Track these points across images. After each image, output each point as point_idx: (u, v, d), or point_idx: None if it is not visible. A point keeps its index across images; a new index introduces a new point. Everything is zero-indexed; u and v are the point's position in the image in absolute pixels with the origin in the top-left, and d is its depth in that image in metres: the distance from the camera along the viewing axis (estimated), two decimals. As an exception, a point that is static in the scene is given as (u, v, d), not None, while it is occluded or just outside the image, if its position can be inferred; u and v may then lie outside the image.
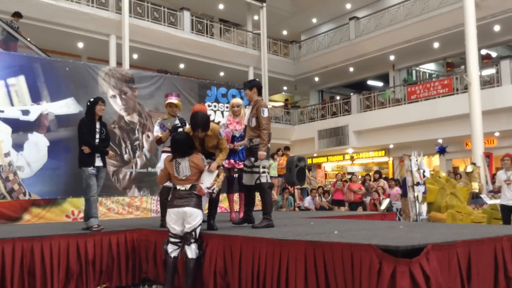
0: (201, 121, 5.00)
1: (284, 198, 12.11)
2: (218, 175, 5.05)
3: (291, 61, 23.64)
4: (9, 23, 11.32)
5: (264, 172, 5.54)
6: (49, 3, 14.96)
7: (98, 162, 6.08)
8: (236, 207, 7.56)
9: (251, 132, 5.57)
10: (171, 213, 4.83)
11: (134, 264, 5.81)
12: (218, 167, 5.13)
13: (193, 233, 4.80)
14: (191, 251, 4.78)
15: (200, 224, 4.88)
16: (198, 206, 4.85)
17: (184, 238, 4.82)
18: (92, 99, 6.23)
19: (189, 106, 8.42)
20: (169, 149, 6.14)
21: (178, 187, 4.90)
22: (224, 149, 5.33)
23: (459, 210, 10.40)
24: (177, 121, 6.20)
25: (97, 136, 6.11)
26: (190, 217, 4.78)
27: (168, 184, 6.17)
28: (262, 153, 5.41)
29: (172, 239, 4.87)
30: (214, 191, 5.01)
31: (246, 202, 5.95)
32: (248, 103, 6.06)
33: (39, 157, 8.04)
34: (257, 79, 6.61)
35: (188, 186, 4.87)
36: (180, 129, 6.17)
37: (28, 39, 11.49)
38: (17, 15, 11.88)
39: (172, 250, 4.86)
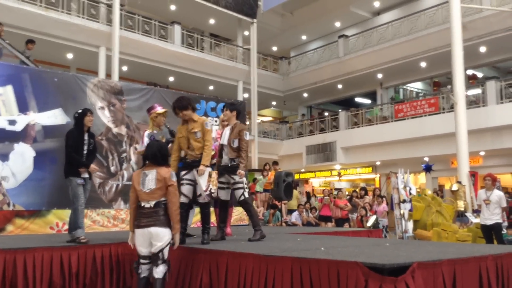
0: (178, 101, 5.50)
1: (271, 214, 12.08)
2: (210, 175, 5.06)
3: (281, 76, 23.80)
4: (21, 52, 11.36)
5: (246, 188, 5.95)
6: (39, 13, 14.94)
7: (84, 174, 6.03)
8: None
9: (233, 152, 5.90)
10: (138, 234, 4.53)
11: (118, 277, 5.72)
12: (207, 166, 5.24)
13: (160, 254, 4.50)
14: (158, 272, 4.50)
15: (168, 244, 4.55)
16: (165, 224, 4.51)
17: (152, 259, 4.56)
18: (80, 111, 6.19)
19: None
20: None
21: (142, 203, 4.52)
22: (207, 141, 5.46)
23: (444, 228, 10.47)
24: (169, 135, 6.23)
25: (85, 147, 6.07)
26: (157, 238, 4.47)
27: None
28: (242, 171, 5.85)
29: (141, 260, 4.61)
30: (212, 190, 5.02)
31: (222, 218, 6.14)
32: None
33: (24, 168, 7.94)
34: (239, 104, 7.02)
35: (152, 203, 4.50)
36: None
37: (39, 67, 11.44)
38: (31, 42, 11.96)
39: (142, 270, 4.61)
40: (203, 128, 5.48)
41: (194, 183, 5.49)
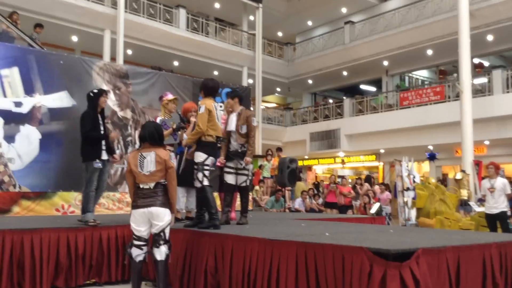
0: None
1: (276, 199, 12.14)
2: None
3: (285, 62, 23.69)
4: (29, 35, 11.34)
5: (249, 176, 6.12)
6: (45, -5, 14.88)
7: (104, 156, 5.99)
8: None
9: (241, 138, 5.99)
10: (135, 214, 4.44)
11: (123, 259, 5.78)
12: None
13: (162, 234, 4.46)
14: (160, 253, 4.46)
15: (169, 224, 4.52)
16: (165, 205, 4.46)
17: (153, 240, 4.50)
18: (95, 91, 6.14)
19: (183, 103, 8.40)
20: (168, 148, 6.19)
21: (141, 185, 4.44)
22: (197, 125, 5.59)
23: (447, 217, 10.49)
24: (179, 121, 6.29)
25: (102, 128, 6.05)
26: (157, 218, 4.41)
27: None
28: (249, 158, 5.96)
29: (136, 242, 4.49)
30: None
31: (227, 202, 6.18)
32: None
33: (30, 150, 7.97)
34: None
35: (152, 185, 4.43)
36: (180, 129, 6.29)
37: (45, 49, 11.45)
38: (40, 26, 11.98)
39: (137, 254, 4.50)
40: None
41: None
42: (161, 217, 4.43)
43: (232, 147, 6.02)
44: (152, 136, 4.50)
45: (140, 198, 4.43)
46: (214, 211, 5.40)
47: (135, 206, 4.46)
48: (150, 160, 4.41)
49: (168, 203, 4.49)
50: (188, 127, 6.39)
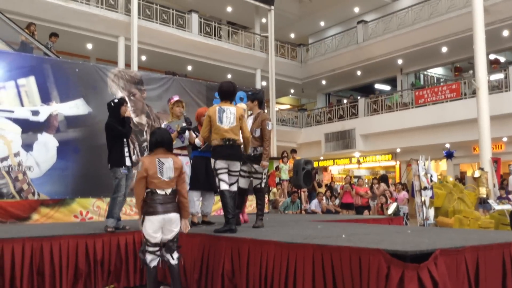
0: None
1: (292, 201, 12.12)
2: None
3: (299, 64, 23.65)
4: (45, 44, 11.56)
5: (264, 179, 6.11)
6: (59, 4, 15.09)
7: (128, 162, 6.09)
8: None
9: (255, 141, 5.92)
10: (154, 221, 4.37)
11: (142, 264, 5.82)
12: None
13: (176, 239, 4.53)
14: (175, 259, 4.51)
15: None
16: (178, 210, 4.51)
17: (167, 246, 4.50)
18: (116, 100, 6.22)
19: (197, 108, 8.44)
20: (176, 152, 6.21)
21: (158, 191, 4.40)
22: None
23: (466, 215, 10.35)
24: (184, 123, 6.24)
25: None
26: (174, 224, 4.45)
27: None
28: (266, 163, 5.92)
29: (151, 249, 4.47)
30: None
31: (238, 204, 6.06)
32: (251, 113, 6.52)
33: (48, 157, 8.10)
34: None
35: (169, 191, 4.44)
36: (187, 131, 6.25)
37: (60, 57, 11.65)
38: (55, 35, 12.29)
39: (152, 259, 4.48)
40: None
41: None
42: (177, 223, 4.48)
43: (250, 151, 5.97)
44: (169, 142, 4.57)
45: (158, 204, 4.37)
46: (231, 216, 5.37)
47: (153, 212, 4.36)
48: (169, 167, 4.43)
49: (178, 209, 4.52)
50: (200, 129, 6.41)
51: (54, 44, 12.17)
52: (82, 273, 5.29)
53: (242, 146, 5.62)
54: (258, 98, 6.20)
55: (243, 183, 6.07)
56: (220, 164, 5.45)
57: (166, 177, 4.42)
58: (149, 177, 4.38)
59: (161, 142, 4.50)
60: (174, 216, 4.44)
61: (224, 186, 5.44)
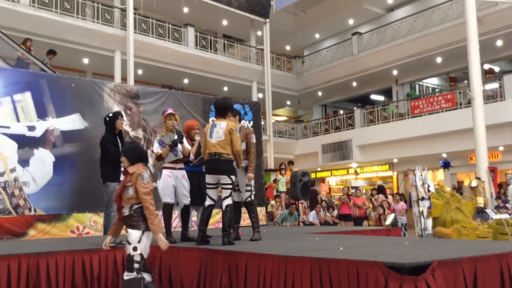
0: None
1: (290, 213, 12.10)
2: None
3: (294, 75, 23.77)
4: (41, 60, 11.60)
5: (253, 191, 6.16)
6: (55, 19, 15.16)
7: (122, 177, 6.06)
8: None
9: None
10: (151, 236, 4.27)
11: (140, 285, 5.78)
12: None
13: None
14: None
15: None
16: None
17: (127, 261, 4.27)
18: (111, 114, 6.24)
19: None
20: (170, 165, 6.18)
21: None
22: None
23: (464, 225, 10.35)
24: (175, 137, 6.18)
25: (120, 149, 6.12)
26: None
27: (169, 200, 6.20)
28: (251, 174, 6.01)
29: (141, 265, 4.19)
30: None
31: (235, 219, 6.14)
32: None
33: (44, 173, 8.08)
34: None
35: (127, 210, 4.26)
36: (180, 144, 6.20)
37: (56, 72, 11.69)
38: (52, 52, 12.29)
39: (147, 276, 4.24)
40: None
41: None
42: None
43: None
44: (147, 158, 4.49)
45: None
46: (202, 228, 5.56)
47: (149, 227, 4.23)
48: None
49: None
50: (190, 143, 6.39)
51: (51, 61, 12.20)
52: (78, 289, 5.25)
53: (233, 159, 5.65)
54: (238, 113, 6.29)
55: (236, 196, 6.09)
56: (207, 178, 5.61)
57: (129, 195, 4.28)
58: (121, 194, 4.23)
59: (145, 156, 4.47)
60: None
61: (207, 202, 5.60)
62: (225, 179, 5.53)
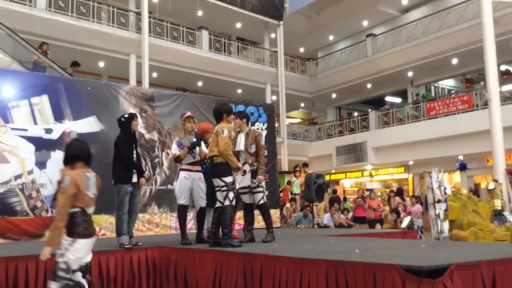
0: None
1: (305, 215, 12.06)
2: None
3: (308, 78, 23.72)
4: (66, 71, 11.77)
5: (265, 192, 6.27)
6: (71, 23, 15.33)
7: (134, 179, 6.08)
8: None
9: (250, 157, 6.14)
10: (90, 243, 3.95)
11: (154, 281, 5.83)
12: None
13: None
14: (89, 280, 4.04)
15: None
16: None
17: (86, 269, 3.99)
18: (126, 115, 6.28)
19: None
20: (187, 167, 6.22)
21: (88, 210, 3.97)
22: None
23: (481, 228, 10.21)
24: (194, 139, 6.26)
25: (134, 151, 6.15)
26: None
27: (184, 202, 6.23)
28: (261, 177, 6.11)
29: (68, 275, 3.83)
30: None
31: (249, 221, 6.34)
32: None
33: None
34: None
35: (92, 210, 4.04)
36: (197, 147, 6.27)
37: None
38: (76, 64, 12.48)
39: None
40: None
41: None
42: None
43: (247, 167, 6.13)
44: (89, 155, 4.12)
45: (89, 225, 3.98)
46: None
47: (89, 234, 3.92)
48: (93, 182, 4.03)
49: None
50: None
51: (74, 73, 12.33)
52: (95, 290, 5.29)
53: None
54: (246, 116, 6.41)
55: (247, 198, 6.23)
56: (214, 182, 5.92)
57: (92, 193, 4.03)
58: (79, 194, 3.90)
59: (81, 155, 4.07)
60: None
61: (216, 204, 5.87)
62: (217, 181, 5.76)
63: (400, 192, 14.25)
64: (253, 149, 6.10)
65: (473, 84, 18.15)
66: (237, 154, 6.10)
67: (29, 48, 11.26)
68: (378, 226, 12.66)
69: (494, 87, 13.76)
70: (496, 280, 3.70)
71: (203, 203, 6.29)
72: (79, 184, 3.88)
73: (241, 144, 6.12)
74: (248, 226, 6.33)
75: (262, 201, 6.17)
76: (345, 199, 18.66)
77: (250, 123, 6.79)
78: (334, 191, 17.12)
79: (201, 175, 6.35)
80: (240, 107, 10.65)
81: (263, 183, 6.21)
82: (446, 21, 18.03)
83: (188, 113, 6.65)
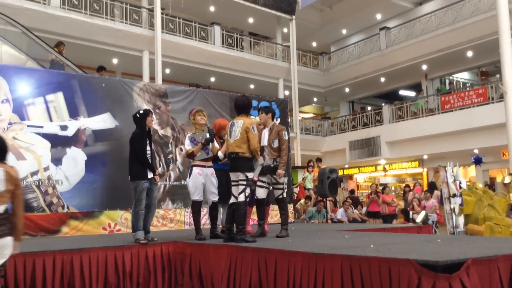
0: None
1: (318, 210, 12.04)
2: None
3: (321, 72, 23.61)
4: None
5: (285, 189, 6.22)
6: (85, 21, 15.44)
7: (150, 174, 6.12)
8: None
9: (273, 152, 6.12)
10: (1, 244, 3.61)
11: (170, 276, 5.87)
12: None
13: (3, 268, 3.73)
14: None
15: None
16: (12, 232, 3.68)
17: None
18: (141, 111, 6.28)
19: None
20: (200, 163, 6.25)
21: None
22: None
23: (497, 222, 10.10)
24: (208, 135, 6.27)
25: (148, 148, 6.17)
26: (7, 249, 3.63)
27: (198, 198, 6.26)
28: (281, 171, 6.05)
29: None
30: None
31: (260, 215, 6.33)
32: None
33: (77, 171, 8.25)
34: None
35: (2, 208, 3.61)
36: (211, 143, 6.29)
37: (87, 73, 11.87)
38: (103, 69, 12.65)
39: None
40: None
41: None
42: (10, 248, 3.68)
43: (266, 162, 6.15)
44: (2, 149, 3.76)
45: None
46: (241, 227, 5.64)
47: None
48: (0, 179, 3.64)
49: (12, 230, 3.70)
50: (219, 142, 6.46)
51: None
52: (111, 285, 5.36)
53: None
54: (272, 111, 6.39)
55: (262, 193, 6.18)
56: (231, 176, 5.82)
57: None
58: None
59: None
60: (9, 240, 3.64)
61: (231, 200, 5.80)
62: (238, 175, 5.72)
63: (433, 186, 13.71)
64: (276, 144, 6.10)
65: (489, 77, 17.93)
66: (262, 149, 6.13)
67: (45, 47, 11.38)
68: (395, 221, 12.59)
69: (510, 79, 13.58)
70: (514, 275, 3.66)
71: (214, 198, 6.31)
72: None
73: (265, 140, 6.13)
74: (260, 221, 6.34)
75: (281, 196, 6.18)
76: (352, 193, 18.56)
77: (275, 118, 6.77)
78: (352, 191, 17.05)
79: (213, 170, 6.36)
80: (253, 102, 10.63)
81: (285, 179, 6.19)
82: (461, 13, 17.80)
83: (197, 108, 6.66)
